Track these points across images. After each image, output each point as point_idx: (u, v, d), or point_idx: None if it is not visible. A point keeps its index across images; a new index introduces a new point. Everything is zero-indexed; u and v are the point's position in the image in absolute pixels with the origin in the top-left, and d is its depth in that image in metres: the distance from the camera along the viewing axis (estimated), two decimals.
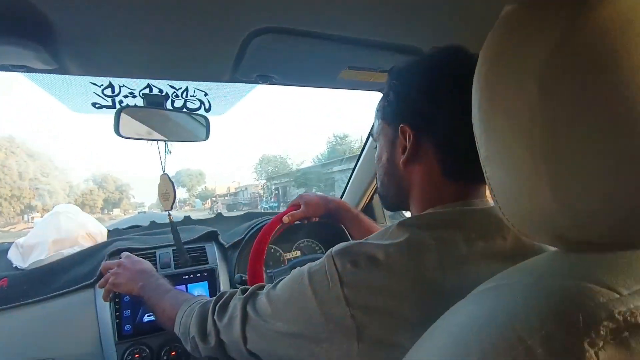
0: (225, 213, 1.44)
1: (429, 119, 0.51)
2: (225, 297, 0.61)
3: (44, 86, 0.80)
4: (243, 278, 0.97)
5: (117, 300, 0.93)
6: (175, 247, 1.06)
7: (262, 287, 0.57)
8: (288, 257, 1.19)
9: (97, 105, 0.88)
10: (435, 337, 0.32)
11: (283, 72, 0.82)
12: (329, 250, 0.49)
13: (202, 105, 0.95)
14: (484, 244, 0.46)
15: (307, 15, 0.63)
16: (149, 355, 0.92)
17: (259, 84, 0.84)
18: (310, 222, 0.98)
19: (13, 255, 1.02)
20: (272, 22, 0.63)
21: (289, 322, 0.48)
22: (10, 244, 1.10)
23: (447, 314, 0.33)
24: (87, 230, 1.09)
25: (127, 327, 0.93)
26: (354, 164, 1.41)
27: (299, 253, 1.21)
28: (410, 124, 0.52)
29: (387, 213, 1.44)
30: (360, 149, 1.35)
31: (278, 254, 1.19)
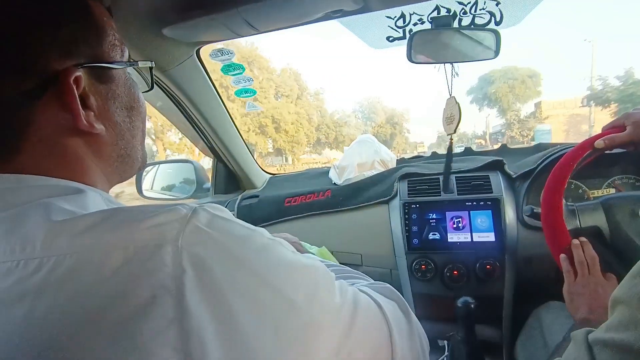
0: (511, 145, 1.32)
1: None
2: None
3: (351, 29, 0.94)
4: (534, 210, 0.87)
5: (407, 217, 1.06)
6: (458, 174, 1.07)
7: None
8: (596, 194, 0.97)
9: (390, 39, 0.96)
10: None
11: None
12: None
13: (493, 18, 0.86)
14: None
15: None
16: (433, 268, 1.01)
17: None
18: (637, 152, 0.74)
19: (332, 174, 1.33)
20: None
21: None
22: (329, 167, 1.45)
23: None
24: (380, 157, 1.27)
25: (415, 241, 1.04)
26: None
27: (612, 191, 0.96)
28: None
29: None
30: None
31: (581, 191, 0.99)
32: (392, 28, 0.94)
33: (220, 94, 1.18)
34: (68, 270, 0.27)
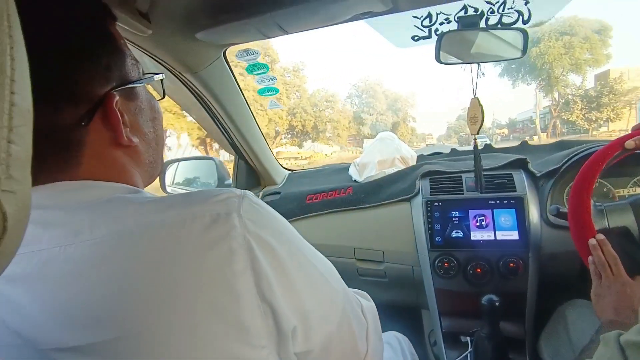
0: (534, 142, 1.31)
1: None
2: None
3: (378, 29, 0.94)
4: (560, 210, 0.87)
5: (429, 215, 1.07)
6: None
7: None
8: (621, 193, 0.97)
9: (415, 38, 0.96)
10: None
11: None
12: None
13: (521, 17, 0.86)
14: None
15: None
16: (456, 266, 1.02)
17: None
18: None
19: (352, 171, 1.35)
20: None
21: None
22: (348, 164, 1.46)
23: None
24: (401, 154, 1.28)
25: (438, 238, 1.05)
26: None
27: (638, 190, 0.96)
28: None
29: None
30: None
31: (606, 189, 0.99)
32: (418, 27, 0.94)
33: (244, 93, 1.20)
34: (162, 237, 0.34)
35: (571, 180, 0.85)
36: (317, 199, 1.29)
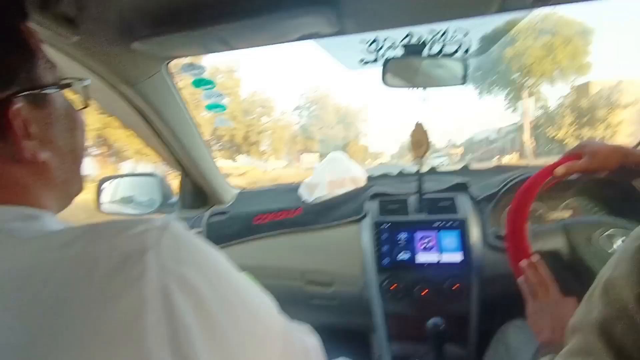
0: (473, 166, 1.37)
1: None
2: None
3: (328, 50, 0.95)
4: (499, 233, 0.91)
5: (377, 237, 1.07)
6: (426, 195, 1.10)
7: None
8: (553, 217, 1.03)
9: (363, 61, 0.98)
10: None
11: None
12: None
13: (461, 47, 0.90)
14: None
15: None
16: (403, 288, 1.02)
17: (535, 6, 0.71)
18: (590, 178, 0.80)
19: (302, 192, 1.33)
20: None
21: None
22: (299, 183, 1.44)
23: None
24: (351, 175, 1.28)
25: (386, 260, 1.05)
26: None
27: (568, 213, 1.02)
28: None
29: None
30: None
31: (540, 212, 1.05)
32: (366, 52, 0.96)
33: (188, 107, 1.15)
34: (51, 285, 0.28)
35: (508, 204, 0.89)
36: (265, 219, 1.25)
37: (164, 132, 1.10)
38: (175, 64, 1.01)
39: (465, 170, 1.37)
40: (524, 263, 0.74)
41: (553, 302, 0.71)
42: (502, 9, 0.74)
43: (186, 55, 0.91)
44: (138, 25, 0.72)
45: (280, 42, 0.86)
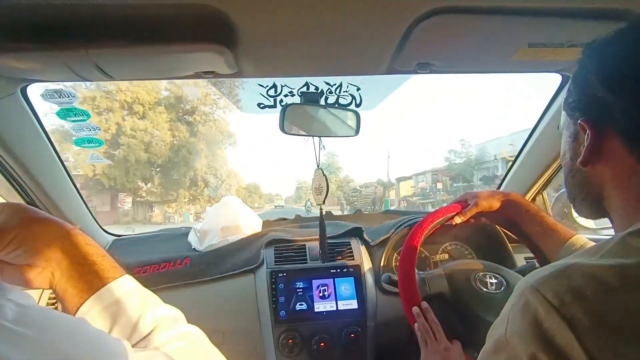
0: (364, 210, 1.44)
1: (612, 111, 0.40)
2: None
3: (222, 91, 0.91)
4: (392, 278, 0.93)
5: (273, 287, 1.00)
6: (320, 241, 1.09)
7: None
8: (435, 259, 1.11)
9: (261, 106, 0.96)
10: None
11: (447, 58, 0.76)
12: (524, 283, 0.37)
13: (354, 100, 0.95)
14: None
15: None
16: (300, 342, 0.96)
17: (418, 73, 0.79)
18: (457, 225, 0.89)
19: (192, 239, 1.20)
20: (448, 1, 0.58)
21: None
22: (189, 228, 1.31)
23: None
24: (246, 221, 1.21)
25: (282, 312, 0.98)
26: None
27: (447, 256, 1.12)
28: (592, 120, 0.43)
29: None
30: (530, 131, 1.13)
31: (423, 256, 1.12)
32: (264, 96, 0.95)
33: (52, 139, 0.96)
34: None
35: (399, 248, 0.93)
36: (146, 272, 1.08)
37: (13, 167, 0.89)
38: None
39: (359, 214, 1.42)
40: (415, 310, 0.77)
41: (442, 347, 0.74)
42: (391, 70, 0.81)
43: (51, 80, 0.77)
44: None
45: (172, 77, 0.79)
